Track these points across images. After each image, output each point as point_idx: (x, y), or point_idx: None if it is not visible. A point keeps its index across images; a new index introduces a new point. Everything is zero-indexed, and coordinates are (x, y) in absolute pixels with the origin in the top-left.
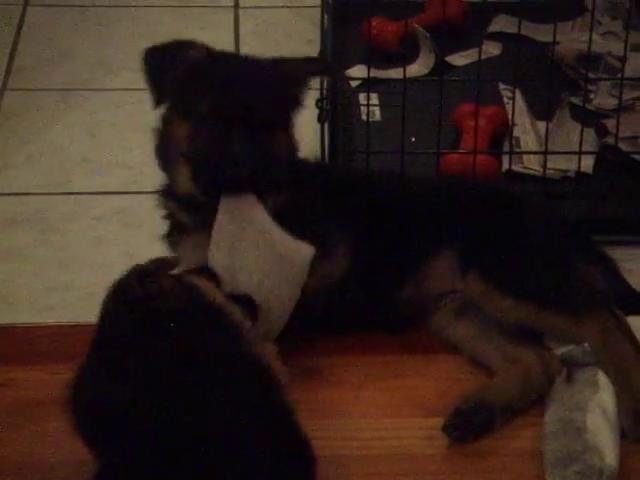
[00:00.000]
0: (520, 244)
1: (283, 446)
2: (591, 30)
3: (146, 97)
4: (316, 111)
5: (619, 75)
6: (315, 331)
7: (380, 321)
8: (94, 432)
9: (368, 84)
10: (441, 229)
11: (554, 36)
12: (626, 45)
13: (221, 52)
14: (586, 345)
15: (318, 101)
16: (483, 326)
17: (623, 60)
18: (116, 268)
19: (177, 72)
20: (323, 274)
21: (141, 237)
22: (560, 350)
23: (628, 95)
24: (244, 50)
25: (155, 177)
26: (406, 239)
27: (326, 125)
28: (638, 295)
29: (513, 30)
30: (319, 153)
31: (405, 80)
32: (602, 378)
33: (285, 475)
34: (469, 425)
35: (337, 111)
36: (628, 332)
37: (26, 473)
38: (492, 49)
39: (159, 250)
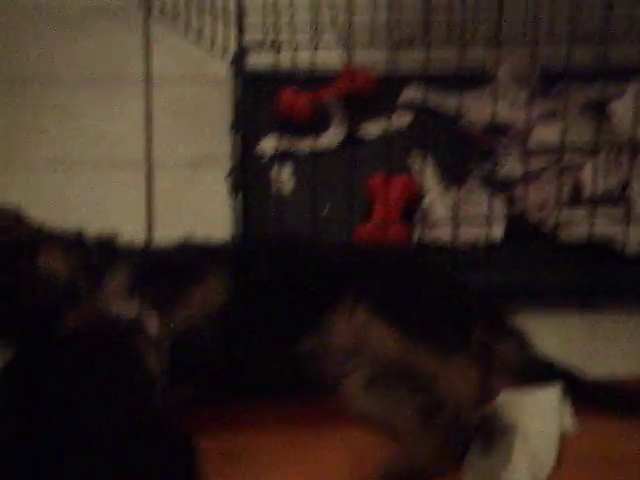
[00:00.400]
0: (413, 291)
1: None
2: (496, 100)
3: (53, 171)
4: (227, 185)
5: (526, 144)
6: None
7: (285, 380)
8: None
9: (278, 157)
10: (337, 284)
11: (460, 106)
12: (529, 114)
13: None
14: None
15: (229, 175)
16: (393, 396)
17: (528, 130)
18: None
19: None
20: (200, 299)
21: None
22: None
23: (535, 164)
24: (156, 123)
25: None
26: (299, 290)
27: (239, 199)
28: (550, 364)
29: (424, 100)
30: (232, 227)
31: (315, 152)
32: (517, 444)
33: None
34: None
35: (250, 184)
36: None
37: None
38: (403, 119)
39: None
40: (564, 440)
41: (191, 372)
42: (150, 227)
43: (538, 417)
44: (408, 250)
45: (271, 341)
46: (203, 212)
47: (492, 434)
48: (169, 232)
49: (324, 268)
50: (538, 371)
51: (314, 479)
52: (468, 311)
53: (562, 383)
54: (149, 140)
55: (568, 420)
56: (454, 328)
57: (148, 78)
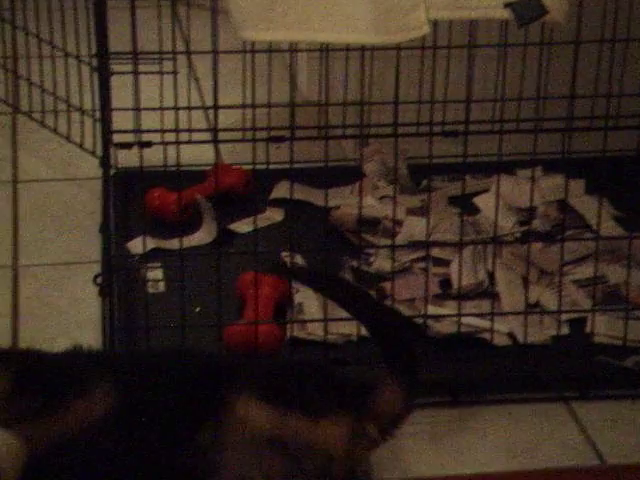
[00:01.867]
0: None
1: None
2: (361, 194)
3: None
4: (97, 286)
5: (396, 238)
6: None
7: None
8: None
9: (148, 256)
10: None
11: (326, 201)
12: (394, 209)
13: None
14: None
15: (96, 276)
16: None
17: (394, 224)
18: None
19: None
20: (82, 413)
21: None
22: None
23: (405, 257)
24: (24, 224)
25: None
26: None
27: (108, 301)
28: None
29: (295, 196)
30: (101, 330)
31: (181, 251)
32: None
33: None
34: None
35: (120, 285)
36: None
37: None
38: (275, 215)
39: None
40: None
41: None
42: (16, 331)
43: None
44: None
45: (157, 445)
46: (71, 315)
47: None
48: (36, 335)
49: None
50: None
51: None
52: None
53: None
54: (16, 242)
55: None
56: (320, 395)
57: (15, 179)
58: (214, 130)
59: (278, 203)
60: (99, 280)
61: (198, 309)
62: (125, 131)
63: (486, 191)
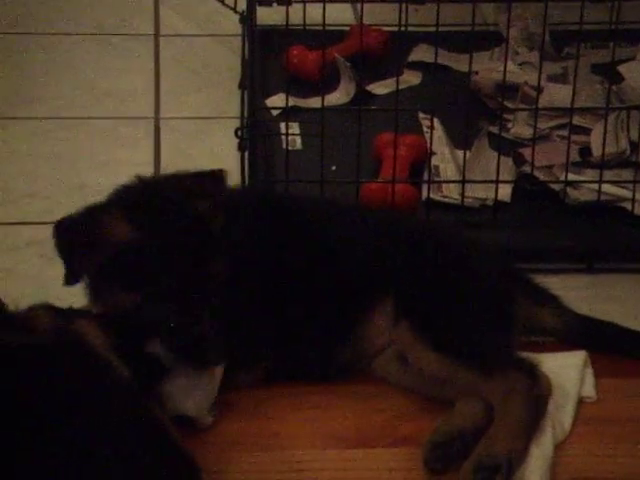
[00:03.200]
0: (451, 292)
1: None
2: (506, 60)
3: (60, 126)
4: (237, 140)
5: (535, 105)
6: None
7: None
8: None
9: (287, 113)
10: (377, 277)
11: (470, 66)
12: (540, 75)
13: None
14: None
15: (237, 130)
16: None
17: (538, 90)
18: (29, 300)
19: (99, 255)
20: None
21: (57, 269)
22: None
23: (544, 124)
24: (165, 77)
25: (70, 207)
26: (343, 290)
27: (247, 154)
28: (590, 322)
29: (433, 59)
30: (240, 182)
31: (323, 109)
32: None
33: None
34: (448, 455)
35: (258, 140)
36: (533, 397)
37: None
38: (412, 78)
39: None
40: (584, 404)
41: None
42: None
43: (561, 381)
44: (451, 234)
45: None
46: (210, 167)
47: None
48: None
49: (363, 264)
50: (580, 330)
51: (315, 430)
52: (509, 288)
53: (600, 341)
54: (157, 95)
55: (590, 385)
56: (493, 343)
57: (157, 33)
58: None
59: (416, 66)
60: (240, 133)
61: (334, 167)
62: None
63: (631, 59)
